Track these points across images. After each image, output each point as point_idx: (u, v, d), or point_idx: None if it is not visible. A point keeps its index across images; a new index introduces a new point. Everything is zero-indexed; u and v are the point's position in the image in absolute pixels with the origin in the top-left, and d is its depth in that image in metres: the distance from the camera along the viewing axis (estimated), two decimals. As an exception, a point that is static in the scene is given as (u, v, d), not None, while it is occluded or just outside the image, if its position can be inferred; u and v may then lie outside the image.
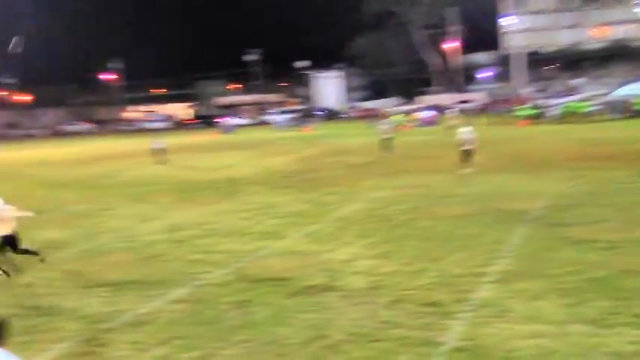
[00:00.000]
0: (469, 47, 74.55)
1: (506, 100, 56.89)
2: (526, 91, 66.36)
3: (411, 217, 12.46)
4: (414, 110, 54.44)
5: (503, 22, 78.63)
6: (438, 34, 73.93)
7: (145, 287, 8.67)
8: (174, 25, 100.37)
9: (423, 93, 75.56)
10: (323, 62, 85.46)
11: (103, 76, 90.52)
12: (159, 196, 17.49)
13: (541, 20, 77.74)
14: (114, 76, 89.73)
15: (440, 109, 51.44)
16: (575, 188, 14.64)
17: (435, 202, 14.01)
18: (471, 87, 79.86)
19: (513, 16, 77.39)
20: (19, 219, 9.79)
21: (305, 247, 10.51)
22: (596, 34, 76.56)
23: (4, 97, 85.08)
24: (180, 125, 75.90)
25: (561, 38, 77.42)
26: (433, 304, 7.28)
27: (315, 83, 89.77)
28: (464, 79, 76.86)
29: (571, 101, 43.44)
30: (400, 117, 46.21)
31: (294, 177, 20.14)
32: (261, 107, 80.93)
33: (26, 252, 9.83)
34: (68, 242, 11.98)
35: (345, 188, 16.93)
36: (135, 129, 73.69)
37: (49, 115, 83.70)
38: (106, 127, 77.97)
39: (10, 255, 9.62)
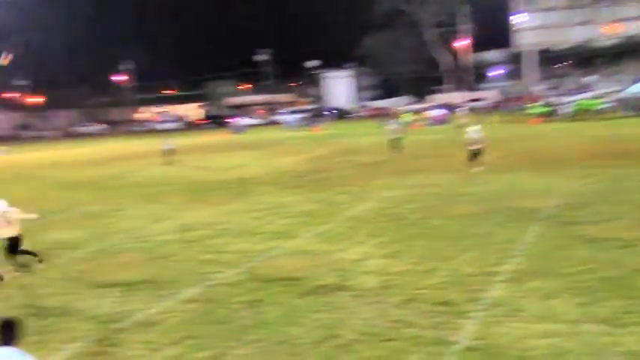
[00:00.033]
0: (480, 45, 74.11)
1: (518, 98, 56.60)
2: (538, 88, 66.09)
3: (422, 216, 12.41)
4: (425, 109, 54.35)
5: (514, 19, 78.27)
6: (449, 32, 73.69)
7: (156, 287, 8.70)
8: (185, 26, 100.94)
9: (433, 92, 75.44)
10: (333, 62, 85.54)
11: (114, 78, 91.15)
12: (170, 196, 17.56)
13: (552, 17, 77.28)
14: (125, 78, 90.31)
15: (450, 107, 51.34)
16: (588, 186, 14.52)
17: (446, 200, 13.95)
18: (482, 85, 79.58)
19: (524, 14, 77.03)
20: (27, 221, 9.89)
21: (316, 246, 10.50)
22: (607, 30, 75.93)
23: (17, 98, 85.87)
24: (191, 126, 76.24)
25: (573, 35, 76.86)
26: (445, 303, 7.25)
27: (326, 83, 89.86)
28: (475, 77, 76.46)
29: (583, 99, 43.18)
30: (409, 116, 46.09)
31: (305, 177, 20.13)
32: (272, 107, 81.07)
33: (26, 253, 9.93)
34: (80, 243, 12.05)
35: (355, 188, 16.90)
36: (146, 130, 74.16)
37: (61, 117, 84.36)
38: (118, 128, 78.55)
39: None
